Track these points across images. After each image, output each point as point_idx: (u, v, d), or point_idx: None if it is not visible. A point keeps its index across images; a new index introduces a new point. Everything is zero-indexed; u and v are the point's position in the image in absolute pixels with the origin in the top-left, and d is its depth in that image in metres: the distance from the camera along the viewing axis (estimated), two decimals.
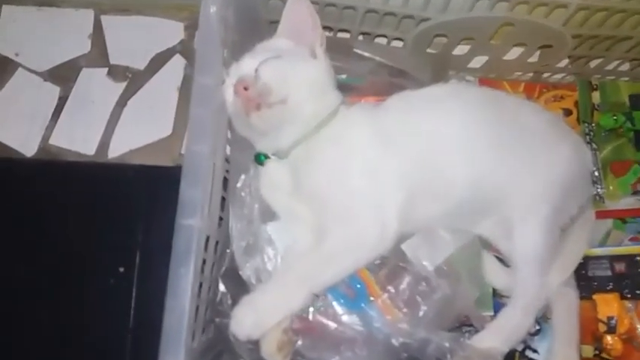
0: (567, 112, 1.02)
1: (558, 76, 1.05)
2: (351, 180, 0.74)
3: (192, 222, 0.62)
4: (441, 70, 0.98)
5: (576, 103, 1.02)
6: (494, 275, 0.84)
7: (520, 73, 1.04)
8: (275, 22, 0.81)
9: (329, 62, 0.79)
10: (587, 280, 0.88)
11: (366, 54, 0.88)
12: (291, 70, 0.74)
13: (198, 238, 0.62)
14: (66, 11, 1.08)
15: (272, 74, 0.72)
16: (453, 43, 0.92)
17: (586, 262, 0.88)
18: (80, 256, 0.96)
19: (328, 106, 0.77)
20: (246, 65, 0.74)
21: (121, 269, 0.96)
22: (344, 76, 0.86)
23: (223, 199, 0.80)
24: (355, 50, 0.87)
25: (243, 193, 0.80)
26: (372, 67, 0.84)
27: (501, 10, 0.83)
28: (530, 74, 1.04)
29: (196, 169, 0.65)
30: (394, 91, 0.84)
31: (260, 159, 0.80)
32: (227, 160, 0.81)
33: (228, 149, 0.81)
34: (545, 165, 0.79)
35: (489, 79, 1.04)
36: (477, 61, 0.99)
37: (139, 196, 0.98)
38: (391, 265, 0.78)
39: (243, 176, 0.82)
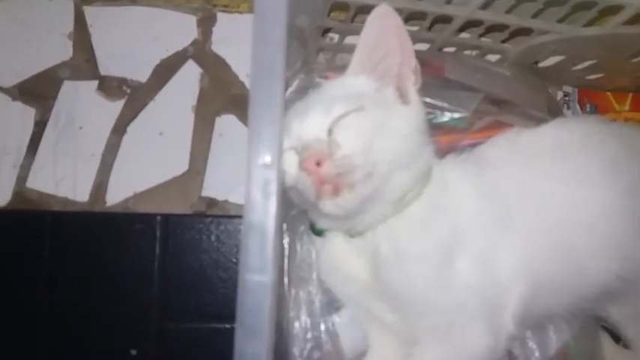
0: None
1: None
2: (457, 276, 0.54)
3: None
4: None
5: None
6: None
7: None
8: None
9: (423, 106, 0.56)
10: None
11: (462, 80, 0.64)
12: (379, 129, 0.52)
13: None
14: (36, 2, 0.80)
15: (355, 140, 0.50)
16: (570, 61, 0.69)
17: None
18: (77, 336, 0.75)
19: (421, 169, 0.56)
20: (315, 124, 0.51)
21: (133, 352, 0.75)
22: (435, 115, 0.62)
23: None
24: (447, 75, 0.63)
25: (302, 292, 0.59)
26: (478, 104, 0.60)
27: None
28: None
29: (259, 308, 0.43)
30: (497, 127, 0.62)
31: (318, 230, 0.60)
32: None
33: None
34: None
35: (591, 89, 0.83)
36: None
37: (149, 256, 0.76)
38: None
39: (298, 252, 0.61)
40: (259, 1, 0.47)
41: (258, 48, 0.47)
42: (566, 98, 0.83)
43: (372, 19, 0.54)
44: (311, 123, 0.51)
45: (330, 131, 0.51)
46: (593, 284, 0.58)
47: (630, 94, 0.83)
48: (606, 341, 0.70)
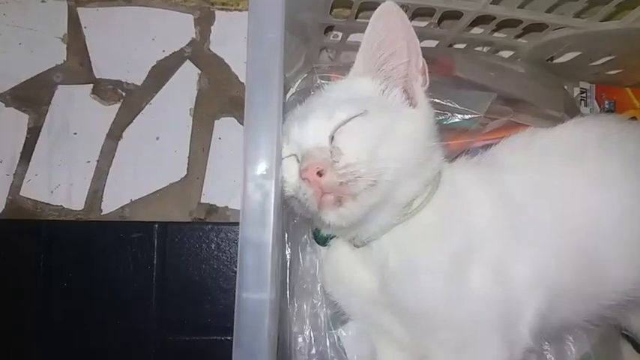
0: None
1: None
2: (471, 287, 0.51)
3: None
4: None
5: None
6: None
7: None
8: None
9: (432, 109, 0.52)
10: None
11: (473, 79, 0.60)
12: (384, 135, 0.49)
13: None
14: (29, 4, 0.77)
15: (359, 148, 0.47)
16: (587, 57, 0.65)
17: None
18: (73, 348, 0.72)
19: (430, 175, 0.53)
20: (316, 130, 0.48)
21: None
22: (445, 117, 0.58)
23: None
24: (457, 74, 0.59)
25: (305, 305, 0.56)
26: (490, 105, 0.57)
27: None
28: None
29: (257, 328, 0.40)
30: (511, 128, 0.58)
31: (322, 238, 0.57)
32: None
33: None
34: None
35: (610, 85, 0.80)
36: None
37: (147, 266, 0.73)
38: None
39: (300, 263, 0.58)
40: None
41: (253, 50, 0.44)
42: (583, 95, 0.79)
43: (376, 16, 0.51)
44: (312, 129, 0.48)
45: (332, 138, 0.48)
46: (613, 292, 0.55)
47: None
48: (628, 351, 0.67)
